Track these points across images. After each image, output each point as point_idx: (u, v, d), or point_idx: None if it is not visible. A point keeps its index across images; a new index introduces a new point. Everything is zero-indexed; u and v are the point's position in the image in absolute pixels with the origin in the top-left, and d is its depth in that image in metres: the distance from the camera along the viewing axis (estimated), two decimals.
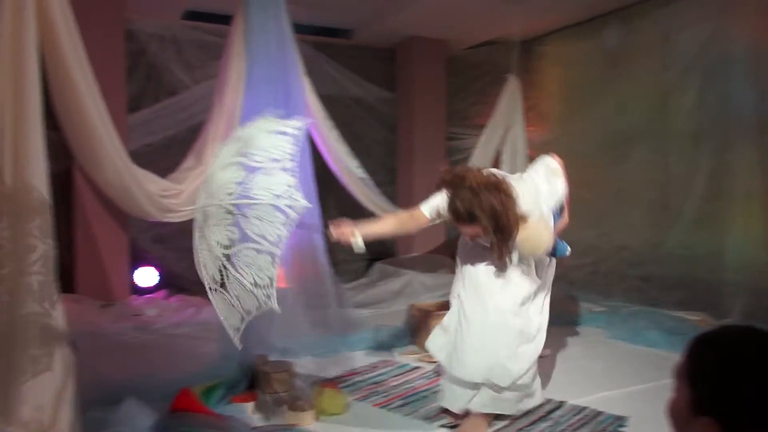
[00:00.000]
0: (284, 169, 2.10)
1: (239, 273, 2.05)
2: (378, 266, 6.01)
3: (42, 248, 2.11)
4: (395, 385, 3.11)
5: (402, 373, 3.33)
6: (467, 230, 2.46)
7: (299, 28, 4.40)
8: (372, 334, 3.87)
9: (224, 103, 4.02)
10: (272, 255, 2.02)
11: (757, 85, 4.22)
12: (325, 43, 5.98)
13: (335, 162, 4.53)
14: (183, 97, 5.23)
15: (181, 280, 5.37)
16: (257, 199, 2.06)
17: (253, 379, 2.98)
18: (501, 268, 2.55)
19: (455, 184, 2.40)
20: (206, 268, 2.16)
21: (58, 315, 2.17)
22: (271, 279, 2.03)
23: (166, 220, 4.22)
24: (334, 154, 4.49)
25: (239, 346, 2.17)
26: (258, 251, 2.04)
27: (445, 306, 4.00)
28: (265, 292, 2.04)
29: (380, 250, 6.46)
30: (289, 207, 2.04)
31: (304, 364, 3.40)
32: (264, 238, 2.04)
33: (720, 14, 4.45)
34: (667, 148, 4.93)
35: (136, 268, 5.09)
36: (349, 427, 2.57)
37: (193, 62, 5.40)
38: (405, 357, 3.63)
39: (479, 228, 2.38)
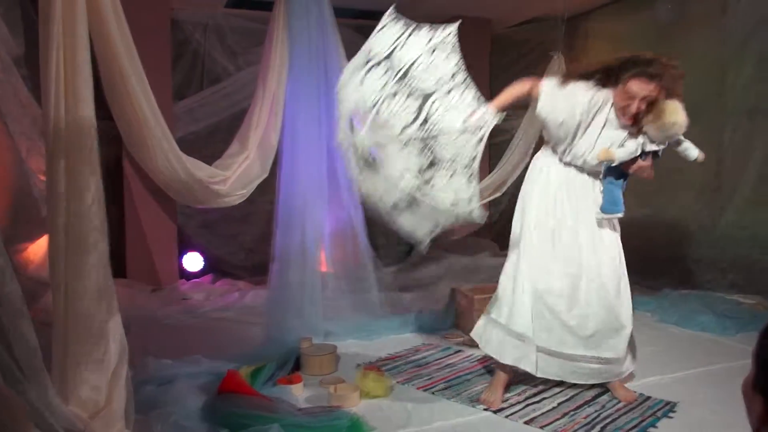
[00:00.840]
0: (458, 88, 2.08)
1: (443, 126, 2.03)
2: (419, 249, 6.00)
3: (96, 234, 2.17)
4: (438, 369, 3.12)
5: (445, 356, 3.33)
6: (643, 91, 2.33)
7: (340, 12, 4.39)
8: (414, 318, 3.87)
9: (267, 88, 4.06)
10: (468, 176, 2.03)
11: None
12: (366, 26, 5.90)
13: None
14: (226, 84, 5.31)
15: (226, 265, 5.51)
16: (443, 127, 2.03)
17: (298, 362, 3.04)
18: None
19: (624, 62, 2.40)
20: (408, 172, 2.11)
21: (112, 298, 2.24)
22: (471, 197, 2.05)
23: (214, 206, 4.30)
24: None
25: (425, 250, 2.30)
26: (452, 174, 2.05)
27: (488, 290, 3.98)
28: (465, 209, 2.08)
29: None
30: (479, 127, 2.03)
31: (348, 347, 3.44)
32: (457, 161, 2.04)
33: None
34: (722, 125, 4.71)
35: (184, 253, 5.22)
36: (393, 410, 2.59)
37: (236, 49, 5.46)
38: (448, 340, 3.62)
39: (655, 89, 2.33)
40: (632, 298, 4.55)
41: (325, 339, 3.51)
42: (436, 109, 2.03)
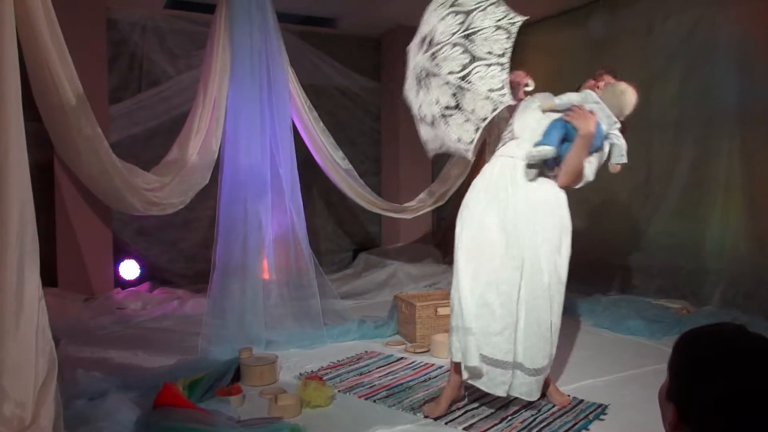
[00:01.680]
0: (493, 3, 2.46)
1: (474, 87, 2.41)
2: (363, 256, 6.03)
3: (23, 241, 2.08)
4: (380, 377, 3.13)
5: (387, 364, 3.34)
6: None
7: (283, 17, 4.37)
8: (357, 326, 3.88)
9: (208, 93, 3.98)
10: (501, 64, 2.39)
11: (740, 74, 4.25)
12: (309, 32, 5.94)
13: (319, 153, 4.51)
14: (166, 87, 5.17)
15: (165, 273, 5.35)
16: (480, 27, 2.42)
17: (237, 372, 2.99)
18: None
19: None
20: (438, 103, 2.49)
21: (41, 308, 2.15)
22: (503, 82, 2.39)
23: (150, 213, 4.17)
24: (318, 145, 4.47)
25: (471, 157, 2.59)
26: (488, 65, 2.41)
27: (431, 297, 4.04)
28: (499, 94, 2.39)
29: (365, 241, 6.47)
30: (511, 23, 2.42)
31: (289, 357, 3.41)
32: (491, 53, 2.41)
33: (704, 3, 4.47)
34: (649, 137, 4.96)
35: (120, 261, 5.05)
36: (334, 420, 2.59)
37: (176, 52, 5.33)
38: (390, 348, 3.65)
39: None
40: (567, 303, 4.73)
41: (266, 348, 3.47)
42: (476, 17, 2.44)
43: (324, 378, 3.03)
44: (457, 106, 2.47)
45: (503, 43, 2.42)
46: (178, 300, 4.66)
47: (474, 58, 2.43)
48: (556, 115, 2.61)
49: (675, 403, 0.98)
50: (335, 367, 3.29)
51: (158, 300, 4.70)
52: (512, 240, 2.53)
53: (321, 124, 4.44)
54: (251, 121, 3.83)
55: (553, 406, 2.71)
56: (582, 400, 2.78)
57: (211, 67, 3.94)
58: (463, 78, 2.44)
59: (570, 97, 2.65)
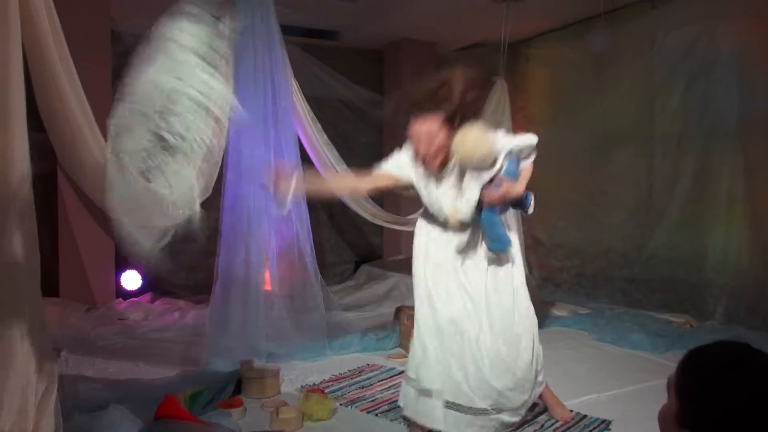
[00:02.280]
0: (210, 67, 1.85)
1: (155, 181, 1.83)
2: (365, 268, 6.02)
3: (24, 251, 2.08)
4: (382, 390, 3.11)
5: (389, 377, 3.32)
6: (422, 128, 2.11)
7: (287, 30, 4.39)
8: (359, 338, 3.86)
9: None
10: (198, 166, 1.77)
11: (741, 87, 4.27)
12: (313, 45, 5.97)
13: (322, 165, 4.51)
14: None
15: (167, 284, 5.34)
16: (187, 96, 1.83)
17: (239, 385, 2.97)
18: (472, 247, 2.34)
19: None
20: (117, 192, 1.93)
21: (40, 320, 2.14)
22: (190, 188, 1.83)
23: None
24: (321, 157, 4.48)
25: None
26: (174, 154, 1.81)
27: None
28: (185, 203, 1.85)
29: (366, 253, 6.46)
30: (222, 108, 1.81)
31: (291, 369, 3.39)
32: (185, 140, 1.77)
33: (705, 17, 4.50)
34: (651, 151, 4.98)
35: (121, 271, 5.04)
36: None
37: None
38: (392, 360, 3.63)
39: (436, 122, 2.08)
40: (569, 316, 4.70)
41: (267, 361, 3.45)
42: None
43: (326, 391, 3.01)
44: (136, 199, 1.97)
45: (205, 130, 1.86)
46: (179, 311, 4.65)
47: (161, 140, 1.83)
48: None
49: (689, 429, 0.96)
50: (337, 380, 3.27)
51: (159, 311, 4.69)
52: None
53: (324, 136, 4.46)
54: (254, 133, 3.84)
55: (556, 422, 2.69)
56: (585, 416, 2.76)
57: None
58: (147, 157, 1.85)
59: (468, 198, 2.27)
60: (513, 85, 5.91)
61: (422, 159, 2.20)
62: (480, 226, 2.36)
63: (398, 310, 4.03)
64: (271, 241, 3.88)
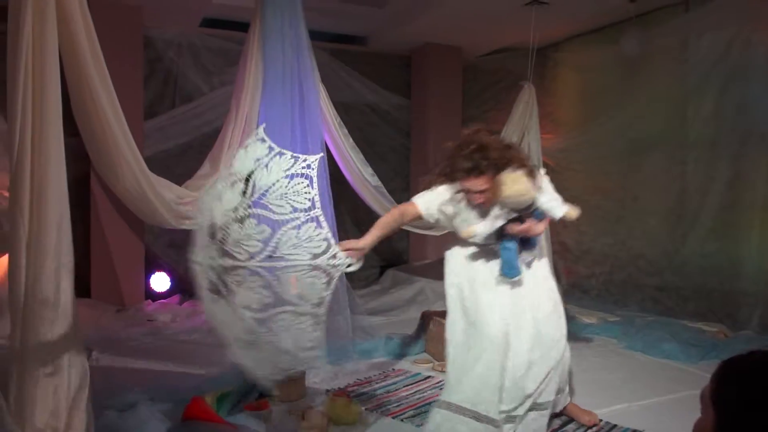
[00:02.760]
0: (313, 219, 1.93)
1: (275, 337, 1.87)
2: (390, 273, 6.01)
3: (59, 253, 2.12)
4: (407, 395, 3.10)
5: (414, 382, 3.31)
6: (475, 186, 2.38)
7: (315, 35, 4.42)
8: (384, 342, 3.85)
9: (240, 109, 4.04)
10: (315, 317, 1.85)
11: None
12: (340, 50, 6.00)
13: (349, 169, 4.52)
14: (199, 103, 5.27)
15: (194, 286, 5.40)
16: (292, 259, 1.86)
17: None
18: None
19: (460, 146, 2.43)
20: (228, 329, 1.99)
21: (73, 320, 2.18)
22: (316, 342, 1.88)
23: (181, 227, 4.23)
24: (348, 161, 4.49)
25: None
26: (298, 314, 1.88)
27: None
28: (308, 355, 1.91)
29: (392, 257, 6.45)
30: (332, 266, 1.87)
31: (316, 372, 3.39)
32: (302, 299, 1.86)
33: (739, 20, 4.40)
34: (684, 156, 4.88)
35: (151, 273, 5.12)
36: None
37: (209, 69, 5.44)
38: (417, 366, 3.61)
39: (484, 182, 2.35)
40: (598, 324, 4.61)
41: None
42: (286, 242, 1.90)
43: (351, 395, 3.00)
44: (278, 300, 1.99)
45: (308, 193, 1.90)
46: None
47: (277, 224, 1.89)
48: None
49: None
50: (362, 384, 3.26)
51: (187, 313, 4.74)
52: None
53: (351, 140, 4.47)
54: (282, 138, 3.86)
55: (586, 430, 2.64)
56: (615, 425, 2.70)
57: (244, 84, 4.00)
58: (271, 255, 1.90)
59: (486, 228, 2.47)
60: (541, 89, 5.86)
61: (475, 202, 2.48)
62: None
63: (424, 315, 4.01)
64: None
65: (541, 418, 2.51)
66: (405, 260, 6.45)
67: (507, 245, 2.48)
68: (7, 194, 2.96)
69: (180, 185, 4.19)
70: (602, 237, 5.55)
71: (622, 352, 3.95)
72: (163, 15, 5.03)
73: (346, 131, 4.44)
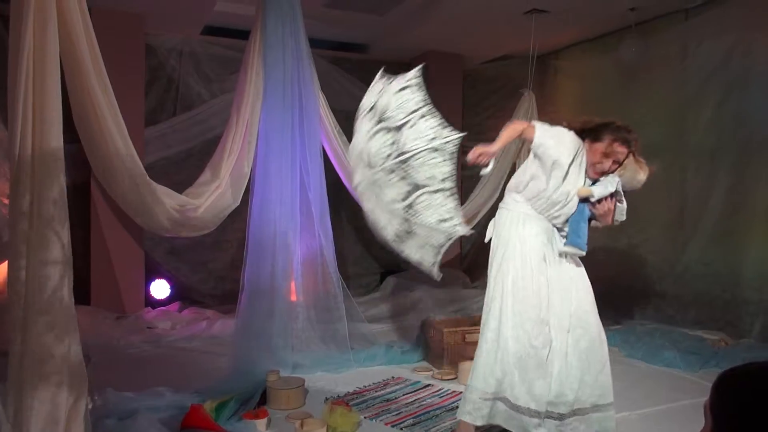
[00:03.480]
0: (423, 116, 2.29)
1: (423, 216, 2.28)
2: (390, 280, 6.00)
3: (58, 260, 2.12)
4: (407, 403, 3.08)
5: (414, 390, 3.30)
6: (621, 156, 2.53)
7: (315, 43, 4.44)
8: (384, 350, 3.84)
9: (241, 117, 4.05)
10: (445, 190, 2.26)
11: None
12: (341, 58, 6.02)
13: (346, 175, 4.53)
14: (200, 110, 5.29)
15: (195, 293, 5.41)
16: (414, 150, 2.26)
17: (264, 395, 2.98)
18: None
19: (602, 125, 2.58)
20: (387, 229, 2.39)
21: (72, 328, 2.17)
22: (452, 211, 2.27)
23: (182, 235, 4.23)
24: (345, 168, 4.49)
25: (438, 277, 2.45)
26: (432, 192, 2.28)
27: (459, 322, 3.98)
28: (450, 224, 2.28)
29: (392, 264, 6.44)
30: (446, 143, 2.27)
31: (316, 380, 3.38)
32: (433, 179, 2.26)
33: (739, 28, 4.41)
34: (684, 164, 4.88)
35: (151, 280, 5.11)
36: None
37: (210, 76, 5.46)
38: (417, 374, 3.60)
39: (628, 154, 2.55)
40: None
41: (293, 371, 3.45)
42: (407, 137, 2.28)
43: (350, 403, 2.99)
44: (409, 232, 2.37)
45: (442, 168, 2.26)
46: (206, 321, 4.69)
47: (416, 186, 2.28)
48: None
49: None
50: (362, 392, 3.25)
51: (187, 320, 4.74)
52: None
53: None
54: (282, 145, 3.87)
55: None
56: None
57: (245, 92, 4.01)
58: (409, 206, 2.31)
59: (603, 190, 2.56)
60: (541, 96, 5.88)
61: (594, 166, 2.56)
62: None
63: (424, 323, 4.00)
64: (296, 253, 3.90)
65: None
66: (405, 268, 6.43)
67: (583, 212, 2.56)
68: (7, 201, 2.96)
69: (180, 192, 4.19)
70: (603, 244, 5.54)
71: (623, 360, 3.93)
72: (165, 23, 5.05)
73: (345, 139, 4.45)
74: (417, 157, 2.27)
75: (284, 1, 3.90)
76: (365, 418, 2.84)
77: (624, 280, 5.29)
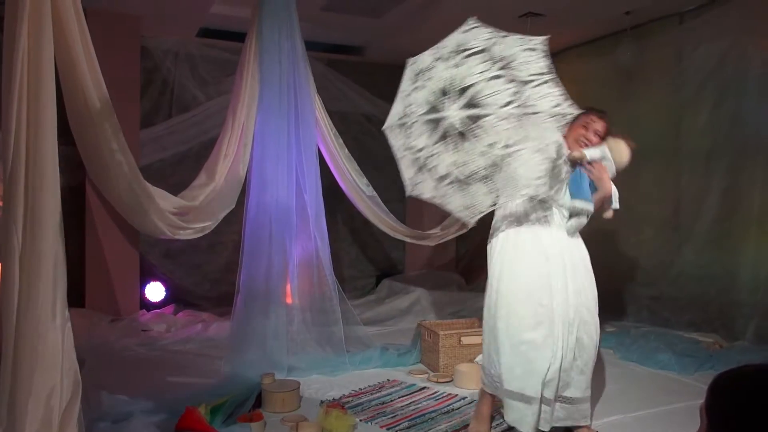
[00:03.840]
0: (546, 82, 2.46)
1: (515, 168, 2.46)
2: (386, 283, 6.00)
3: (52, 261, 2.11)
4: (402, 406, 3.08)
5: (409, 393, 3.29)
6: (598, 126, 2.64)
7: (311, 46, 4.44)
8: (379, 353, 3.84)
9: (237, 119, 4.04)
10: (544, 152, 2.45)
11: None
12: (337, 60, 6.03)
13: (344, 179, 4.53)
14: (196, 112, 5.28)
15: (190, 295, 5.39)
16: (536, 109, 2.45)
17: (259, 398, 2.97)
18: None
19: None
20: (461, 166, 2.55)
21: (66, 330, 2.17)
22: (543, 173, 2.44)
23: (177, 237, 4.21)
24: (343, 171, 4.50)
25: (473, 223, 2.64)
26: (535, 150, 2.46)
27: (454, 325, 3.99)
28: (537, 183, 2.45)
29: (388, 267, 6.45)
30: (563, 116, 2.49)
31: (311, 383, 3.38)
32: (542, 139, 2.44)
33: (734, 32, 4.43)
34: (679, 167, 4.89)
35: (146, 283, 5.10)
36: None
37: (206, 78, 5.46)
38: (413, 377, 3.59)
39: (604, 130, 2.66)
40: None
41: (288, 374, 3.45)
42: (530, 95, 2.45)
43: (345, 406, 2.99)
44: (486, 177, 2.52)
45: (553, 135, 2.48)
46: (201, 323, 4.68)
47: (523, 83, 2.45)
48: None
49: None
50: (357, 395, 3.25)
51: (182, 323, 4.72)
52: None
53: (346, 150, 4.47)
54: (278, 147, 3.87)
55: None
56: None
57: (241, 94, 4.01)
58: (521, 104, 2.46)
59: (594, 153, 2.63)
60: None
61: (576, 138, 2.64)
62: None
63: (419, 326, 4.00)
64: (291, 255, 3.89)
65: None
66: (400, 270, 6.45)
67: (583, 175, 2.59)
68: (0, 203, 2.95)
69: (176, 195, 4.18)
70: (597, 247, 5.54)
71: (618, 362, 3.94)
72: (161, 25, 5.05)
73: (341, 141, 4.45)
74: (538, 116, 2.45)
75: (280, 4, 3.90)
76: (361, 421, 2.84)
77: (619, 282, 5.30)
